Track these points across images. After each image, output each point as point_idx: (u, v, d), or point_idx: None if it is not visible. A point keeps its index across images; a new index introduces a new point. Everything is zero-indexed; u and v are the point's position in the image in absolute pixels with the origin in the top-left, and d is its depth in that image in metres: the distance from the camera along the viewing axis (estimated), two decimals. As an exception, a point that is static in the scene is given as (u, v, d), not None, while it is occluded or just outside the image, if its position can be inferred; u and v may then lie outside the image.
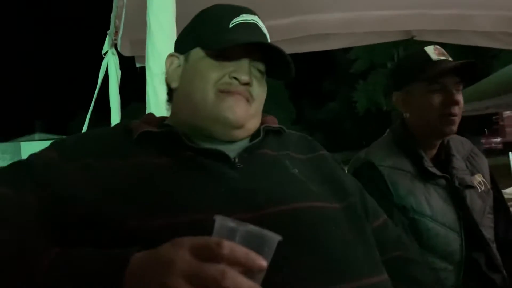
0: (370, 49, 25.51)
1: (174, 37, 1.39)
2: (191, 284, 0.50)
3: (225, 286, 0.48)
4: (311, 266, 0.69)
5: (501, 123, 22.65)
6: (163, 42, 1.35)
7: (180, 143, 0.80)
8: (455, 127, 1.30)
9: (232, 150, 0.83)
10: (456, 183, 1.31)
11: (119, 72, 2.51)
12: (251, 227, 0.53)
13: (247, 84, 0.85)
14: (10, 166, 0.79)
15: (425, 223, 1.26)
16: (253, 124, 0.89)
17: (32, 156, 0.81)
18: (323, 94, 38.56)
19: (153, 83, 1.37)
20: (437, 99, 1.28)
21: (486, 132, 24.06)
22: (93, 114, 2.97)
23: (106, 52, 2.54)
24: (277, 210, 0.72)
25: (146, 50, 1.39)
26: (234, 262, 0.50)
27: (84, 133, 0.91)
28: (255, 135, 0.89)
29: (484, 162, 1.45)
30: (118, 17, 2.25)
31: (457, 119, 1.29)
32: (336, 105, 37.20)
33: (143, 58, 1.50)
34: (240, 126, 0.85)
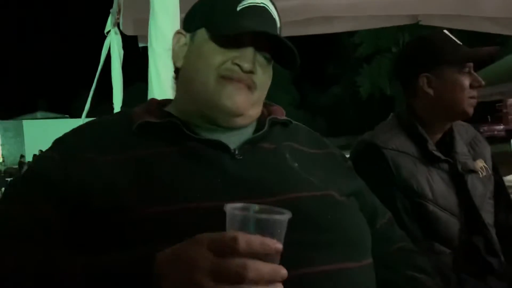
0: (375, 33, 25.24)
1: (178, 17, 1.38)
2: (216, 280, 0.52)
3: (249, 278, 0.50)
4: (310, 244, 0.71)
5: (504, 110, 22.54)
6: (166, 21, 1.33)
7: (180, 133, 0.80)
8: (472, 111, 1.34)
9: (233, 141, 0.82)
10: (459, 167, 1.33)
11: (122, 52, 2.50)
12: (262, 216, 0.55)
13: (250, 72, 0.82)
14: (18, 181, 0.80)
15: (427, 206, 1.27)
16: (254, 111, 0.88)
17: (36, 163, 0.82)
18: (327, 77, 38.33)
19: (155, 62, 1.36)
20: (467, 81, 1.31)
21: (489, 119, 23.97)
22: (95, 93, 2.96)
23: (109, 31, 2.52)
24: (273, 200, 0.73)
25: (149, 29, 1.38)
26: (252, 253, 0.52)
27: (83, 126, 0.88)
28: (260, 126, 0.88)
29: (486, 148, 1.46)
30: (121, -4, 2.23)
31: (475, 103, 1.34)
32: (339, 89, 36.99)
33: (146, 37, 1.49)
34: (239, 114, 0.84)
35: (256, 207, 0.57)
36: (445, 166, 1.32)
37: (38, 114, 34.27)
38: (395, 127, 1.40)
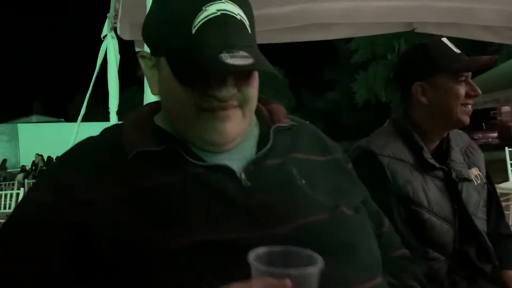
0: (371, 40, 25.38)
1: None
2: None
3: None
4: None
5: (498, 118, 22.68)
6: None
7: (181, 159, 0.74)
8: (468, 119, 1.34)
9: (237, 159, 0.77)
10: (454, 175, 1.33)
11: (118, 56, 2.50)
12: (293, 272, 0.51)
13: (229, 98, 0.73)
14: (12, 228, 0.73)
15: (422, 213, 1.28)
16: (247, 123, 0.80)
17: (28, 210, 0.73)
18: (323, 83, 38.44)
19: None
20: (462, 90, 1.31)
21: (484, 127, 24.09)
22: (91, 98, 2.96)
23: (106, 36, 2.52)
24: (284, 228, 0.69)
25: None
26: None
27: (73, 155, 0.79)
28: (262, 136, 0.82)
29: (480, 156, 1.47)
30: (118, 0, 2.23)
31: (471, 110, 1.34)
32: (336, 95, 37.10)
33: (142, 42, 1.48)
34: (231, 140, 0.77)
35: (278, 248, 0.53)
36: (440, 174, 1.33)
37: (34, 117, 34.13)
38: (391, 134, 1.40)
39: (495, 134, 22.74)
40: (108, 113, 2.69)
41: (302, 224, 0.71)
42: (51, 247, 0.67)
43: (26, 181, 9.44)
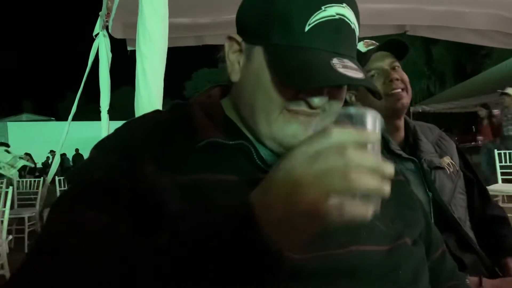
0: (363, 42, 25.51)
1: (167, 20, 1.36)
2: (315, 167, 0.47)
3: (351, 159, 0.47)
4: None
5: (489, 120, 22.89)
6: (155, 24, 1.32)
7: (250, 159, 0.70)
8: (405, 100, 1.31)
9: None
10: (425, 165, 1.33)
11: (110, 55, 2.49)
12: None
13: (319, 106, 0.68)
14: (84, 184, 0.68)
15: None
16: None
17: (103, 171, 0.68)
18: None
19: (143, 65, 1.34)
20: (378, 82, 1.32)
21: (474, 130, 24.31)
22: (82, 96, 2.94)
23: (97, 34, 2.51)
24: (341, 251, 0.66)
25: (137, 31, 1.37)
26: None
27: (142, 127, 0.74)
28: None
29: (452, 146, 1.48)
30: (111, -1, 2.22)
31: (404, 93, 1.31)
32: (327, 97, 37.23)
33: (134, 41, 1.48)
34: None
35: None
36: (411, 165, 1.33)
37: (24, 116, 33.81)
38: None
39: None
40: (100, 112, 2.68)
41: (359, 251, 0.68)
42: (124, 211, 0.63)
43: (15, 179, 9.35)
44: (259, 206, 0.51)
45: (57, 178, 5.08)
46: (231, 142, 0.70)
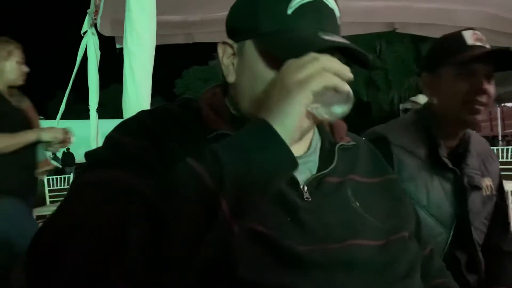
0: (353, 40, 25.47)
1: (154, 17, 1.35)
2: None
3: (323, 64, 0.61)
4: None
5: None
6: (143, 21, 1.30)
7: None
8: (479, 117, 1.21)
9: (301, 172, 0.75)
10: (465, 180, 1.27)
11: (99, 53, 2.47)
12: None
13: None
14: (109, 153, 0.69)
15: (418, 211, 1.25)
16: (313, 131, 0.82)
17: (126, 147, 0.69)
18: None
19: (130, 63, 1.32)
20: (463, 85, 1.19)
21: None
22: (71, 94, 2.91)
23: (86, 32, 2.49)
24: (335, 246, 0.69)
25: (124, 29, 1.35)
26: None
27: (159, 114, 0.77)
28: (324, 151, 0.81)
29: (496, 167, 1.40)
30: (99, -4, 2.20)
31: (483, 108, 1.20)
32: (318, 94, 37.32)
33: (123, 39, 1.47)
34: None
35: None
36: (450, 176, 1.27)
37: (12, 114, 33.38)
38: (411, 125, 1.33)
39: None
40: (89, 110, 2.66)
41: (356, 245, 0.71)
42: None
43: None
44: (267, 114, 0.61)
45: (45, 178, 5.04)
46: None
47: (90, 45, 2.45)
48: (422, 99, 6.22)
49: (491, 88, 1.18)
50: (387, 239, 0.75)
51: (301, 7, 0.70)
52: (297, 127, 0.60)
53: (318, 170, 0.78)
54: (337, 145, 0.81)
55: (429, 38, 2.96)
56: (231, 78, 0.77)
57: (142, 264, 0.53)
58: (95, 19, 2.38)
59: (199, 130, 0.73)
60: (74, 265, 0.54)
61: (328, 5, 0.72)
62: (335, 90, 0.62)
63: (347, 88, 0.63)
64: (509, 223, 1.41)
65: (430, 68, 1.29)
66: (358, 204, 0.77)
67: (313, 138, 0.83)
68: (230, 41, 0.77)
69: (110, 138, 0.72)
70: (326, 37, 0.68)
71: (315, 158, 0.80)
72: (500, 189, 1.41)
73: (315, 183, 0.76)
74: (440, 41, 1.31)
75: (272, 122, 0.59)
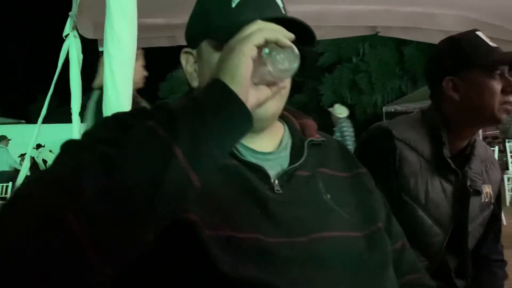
0: (337, 43, 25.83)
1: (135, 19, 1.34)
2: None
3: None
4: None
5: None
6: (123, 24, 1.29)
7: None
8: (506, 117, 1.24)
9: (271, 167, 0.78)
10: (468, 183, 1.28)
11: (81, 56, 2.44)
12: None
13: None
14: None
15: (416, 209, 1.24)
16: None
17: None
18: (291, 86, 38.65)
19: (111, 67, 1.30)
20: (498, 86, 1.21)
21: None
22: (54, 99, 2.87)
23: (68, 35, 2.45)
24: (306, 239, 0.70)
25: (104, 32, 1.34)
26: None
27: (136, 111, 0.81)
28: (295, 148, 0.84)
29: (498, 175, 1.42)
30: (81, -2, 2.17)
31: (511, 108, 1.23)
32: (303, 97, 37.52)
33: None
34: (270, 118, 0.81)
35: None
36: (452, 177, 1.27)
37: (-8, 118, 32.84)
38: (417, 123, 1.33)
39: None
40: (71, 114, 2.62)
41: (326, 237, 0.72)
42: None
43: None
44: (218, 74, 0.63)
45: (27, 183, 4.95)
46: None
47: (72, 48, 2.41)
48: (338, 109, 6.29)
49: None
50: (359, 231, 0.77)
51: (244, 0, 0.76)
52: (246, 79, 0.62)
53: (289, 165, 0.80)
54: (306, 141, 0.84)
55: (411, 42, 3.00)
56: (194, 83, 0.82)
57: (99, 213, 0.52)
58: (77, 22, 2.35)
59: None
60: (31, 213, 0.53)
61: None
62: (279, 45, 0.65)
63: (289, 43, 0.66)
64: (501, 233, 1.42)
65: (452, 72, 1.28)
66: (329, 196, 0.78)
67: (284, 136, 0.86)
68: (190, 50, 0.83)
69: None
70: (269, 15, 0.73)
71: (285, 154, 0.83)
72: (498, 199, 1.41)
73: (286, 177, 0.77)
74: (458, 45, 1.29)
75: (222, 78, 0.62)
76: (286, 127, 0.88)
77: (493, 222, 1.39)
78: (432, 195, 1.25)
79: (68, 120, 2.69)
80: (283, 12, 0.81)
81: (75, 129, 2.58)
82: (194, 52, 0.83)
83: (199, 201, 0.64)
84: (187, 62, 0.84)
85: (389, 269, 0.78)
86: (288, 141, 0.86)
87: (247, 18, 0.70)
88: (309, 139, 0.85)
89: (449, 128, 1.29)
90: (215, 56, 0.75)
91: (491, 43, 1.24)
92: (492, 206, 1.37)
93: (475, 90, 1.24)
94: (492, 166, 1.40)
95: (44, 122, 2.95)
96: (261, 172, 0.76)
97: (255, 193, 0.72)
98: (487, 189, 1.35)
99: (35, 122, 2.92)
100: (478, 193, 1.31)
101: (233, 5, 0.76)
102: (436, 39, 3.23)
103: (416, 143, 1.27)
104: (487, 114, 1.23)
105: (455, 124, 1.29)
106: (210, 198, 0.67)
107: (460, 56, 1.27)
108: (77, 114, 2.56)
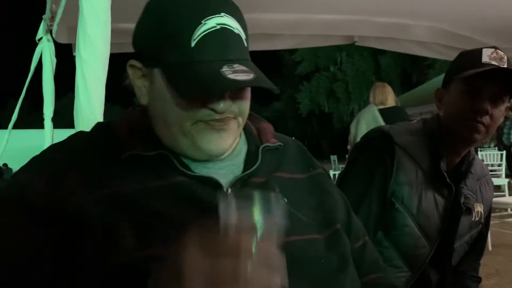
0: (314, 52, 26.16)
1: (109, 23, 1.31)
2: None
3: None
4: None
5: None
6: (96, 27, 1.26)
7: (172, 166, 0.74)
8: (478, 136, 1.18)
9: (224, 175, 0.77)
10: (462, 199, 1.26)
11: (55, 60, 2.39)
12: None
13: (226, 110, 0.73)
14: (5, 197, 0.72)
15: (406, 218, 1.23)
16: (238, 135, 0.82)
17: (14, 190, 0.73)
18: (269, 93, 38.81)
19: (83, 71, 1.27)
20: (466, 101, 1.17)
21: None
22: (26, 104, 2.79)
23: (41, 38, 2.40)
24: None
25: (77, 35, 1.31)
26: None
27: (64, 148, 0.79)
28: (250, 154, 0.82)
29: (490, 195, 1.40)
30: (55, 2, 2.13)
31: (483, 128, 1.18)
32: (281, 105, 37.80)
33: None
34: (226, 151, 0.78)
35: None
36: (445, 191, 1.26)
37: (-39, 123, 31.88)
38: (417, 131, 1.32)
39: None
40: (43, 119, 2.56)
41: (285, 241, 0.69)
42: (34, 235, 0.67)
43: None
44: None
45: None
46: (151, 153, 0.74)
47: (45, 52, 2.36)
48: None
49: (495, 110, 1.17)
50: (318, 233, 0.76)
51: (205, 37, 0.69)
52: None
53: (243, 172, 0.79)
54: (261, 147, 0.83)
55: (387, 52, 3.06)
56: (143, 101, 0.78)
57: None
58: (51, 25, 2.31)
59: (113, 154, 0.74)
60: None
61: (233, 31, 0.72)
62: None
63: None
64: (483, 253, 1.44)
65: (444, 82, 1.29)
66: (286, 201, 0.77)
67: (239, 142, 0.84)
68: (138, 64, 0.77)
69: (13, 176, 0.76)
70: (230, 76, 0.67)
71: (238, 161, 0.81)
72: (487, 220, 1.41)
73: (239, 184, 0.77)
74: (459, 57, 1.29)
75: None
76: (243, 133, 0.86)
77: (478, 241, 1.39)
78: (424, 207, 1.24)
79: (41, 125, 2.63)
80: (246, 44, 0.76)
81: (47, 135, 2.51)
82: (143, 68, 0.77)
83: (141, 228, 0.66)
84: (135, 75, 0.78)
85: (347, 270, 0.78)
86: (243, 148, 0.84)
87: (205, 70, 0.67)
88: (264, 144, 0.84)
89: (444, 140, 1.28)
90: (169, 93, 0.71)
91: (486, 60, 1.17)
92: (480, 226, 1.37)
93: (449, 101, 1.24)
94: (486, 185, 1.39)
95: (14, 127, 2.88)
96: (213, 183, 0.74)
97: (205, 206, 0.70)
98: (478, 208, 1.34)
99: (6, 127, 2.84)
100: (470, 211, 1.30)
101: (193, 44, 0.69)
102: (410, 50, 3.33)
103: (415, 152, 1.26)
104: (454, 129, 1.22)
105: (446, 136, 1.28)
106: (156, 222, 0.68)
107: (450, 68, 1.29)
108: (50, 120, 2.50)
